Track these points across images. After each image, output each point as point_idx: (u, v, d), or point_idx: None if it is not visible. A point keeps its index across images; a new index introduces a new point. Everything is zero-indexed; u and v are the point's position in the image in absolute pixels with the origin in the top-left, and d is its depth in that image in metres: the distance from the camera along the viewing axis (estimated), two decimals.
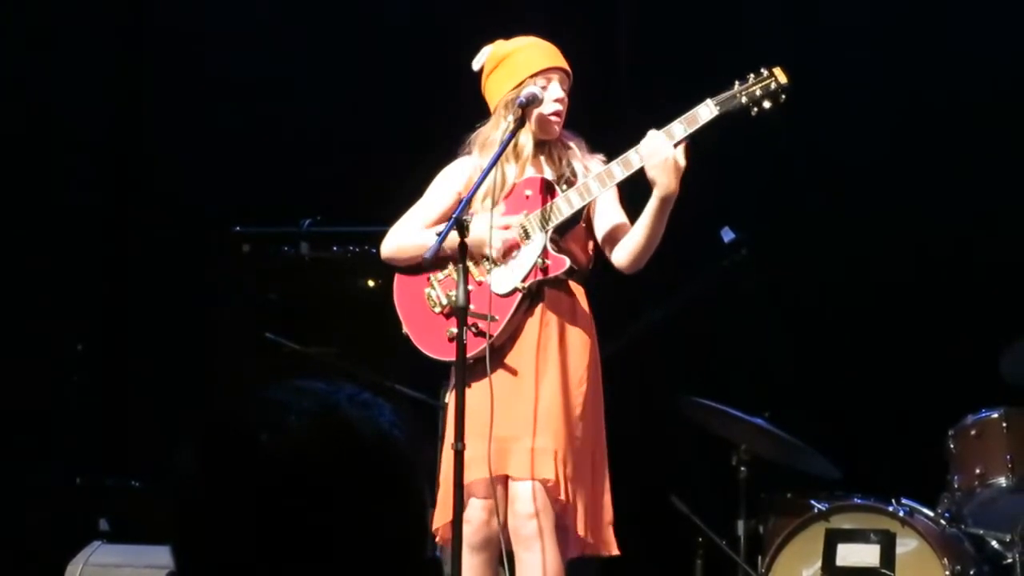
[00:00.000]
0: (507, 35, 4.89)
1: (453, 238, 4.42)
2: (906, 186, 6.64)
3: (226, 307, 6.76)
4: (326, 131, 7.05)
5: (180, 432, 1.67)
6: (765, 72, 4.62)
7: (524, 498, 4.52)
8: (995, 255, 6.50)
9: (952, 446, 5.85)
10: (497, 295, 4.63)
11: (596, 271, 4.86)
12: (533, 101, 4.65)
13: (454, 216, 4.40)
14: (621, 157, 4.61)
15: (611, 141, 4.80)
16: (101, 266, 7.27)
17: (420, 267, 4.76)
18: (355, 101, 7.06)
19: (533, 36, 4.85)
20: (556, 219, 4.64)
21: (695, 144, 4.58)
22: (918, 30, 6.71)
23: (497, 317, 4.57)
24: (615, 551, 4.69)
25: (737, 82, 4.61)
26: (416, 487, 1.62)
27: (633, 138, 4.61)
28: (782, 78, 4.62)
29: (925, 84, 6.66)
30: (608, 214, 4.72)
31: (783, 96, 4.61)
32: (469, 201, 4.52)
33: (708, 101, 4.57)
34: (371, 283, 5.88)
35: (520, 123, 4.64)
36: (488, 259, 4.65)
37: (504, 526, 4.58)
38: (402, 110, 6.96)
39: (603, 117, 5.37)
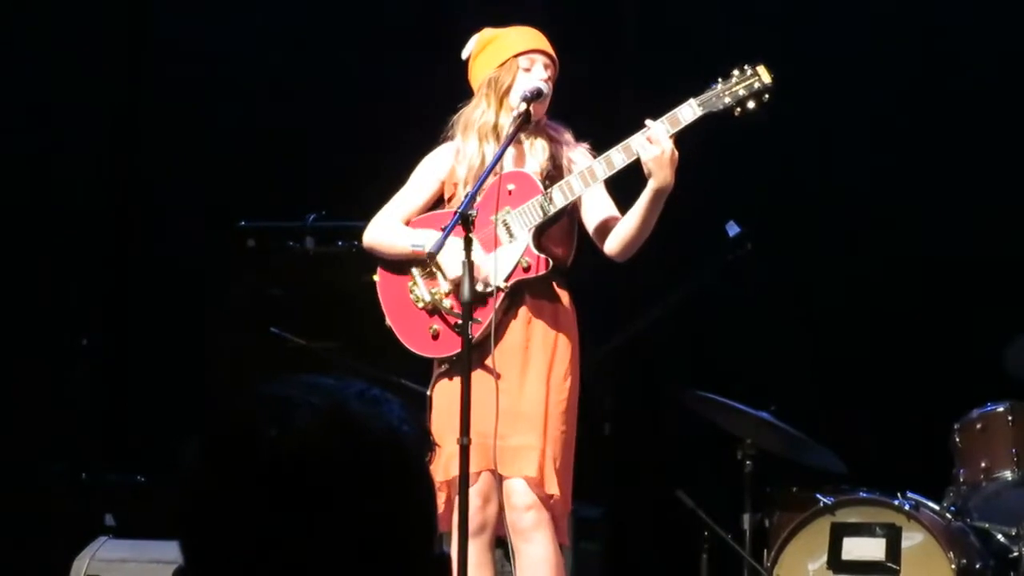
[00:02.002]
0: (494, 25, 4.89)
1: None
2: (910, 180, 6.63)
3: (231, 302, 6.76)
4: (330, 126, 7.04)
5: (185, 427, 1.66)
6: (749, 71, 4.54)
7: (519, 492, 4.56)
8: (1000, 249, 6.50)
9: (957, 440, 5.85)
10: (479, 294, 4.60)
11: (598, 266, 4.84)
12: (538, 96, 4.64)
13: (459, 211, 4.38)
14: (604, 155, 4.57)
15: (610, 132, 4.77)
16: (105, 261, 7.28)
17: (401, 263, 4.77)
18: (359, 96, 7.06)
19: (523, 25, 4.85)
20: (539, 218, 4.62)
21: (700, 136, 4.56)
22: (921, 24, 6.70)
23: (479, 320, 4.55)
24: (566, 542, 4.72)
25: (720, 81, 4.54)
26: (426, 483, 1.61)
27: (631, 129, 4.57)
28: (766, 77, 4.54)
29: (929, 77, 6.66)
30: (597, 204, 4.69)
31: (767, 96, 4.54)
32: (473, 197, 4.51)
33: (691, 101, 4.51)
34: (375, 278, 5.87)
35: (526, 118, 4.62)
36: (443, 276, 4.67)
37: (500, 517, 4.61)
38: (405, 105, 6.95)
39: (603, 107, 5.37)
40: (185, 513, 1.60)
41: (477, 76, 4.76)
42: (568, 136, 4.76)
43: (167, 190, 7.17)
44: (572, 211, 4.72)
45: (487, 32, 4.80)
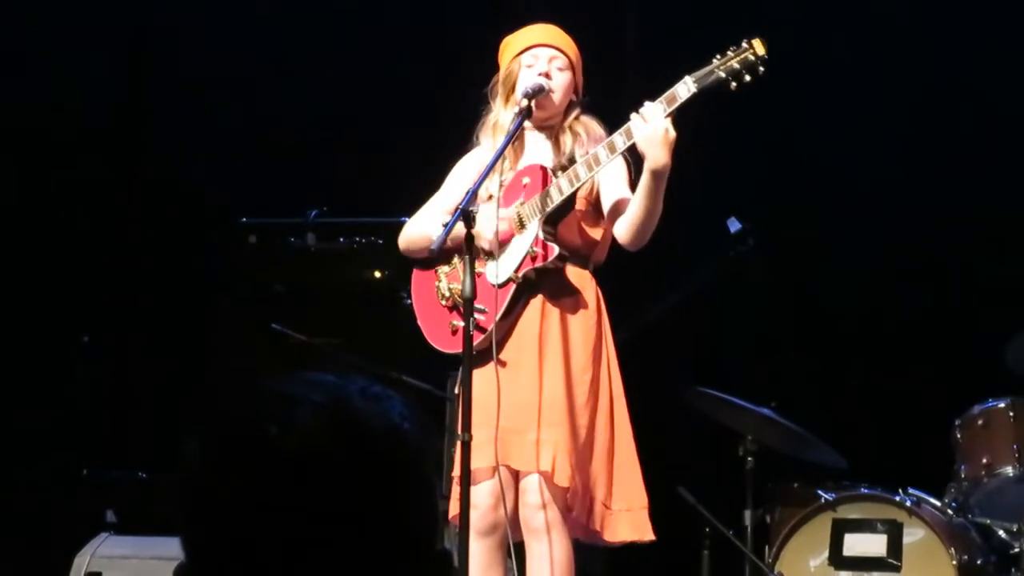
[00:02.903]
0: (510, 24, 4.89)
1: (458, 230, 4.42)
2: (911, 176, 6.63)
3: (232, 298, 6.75)
4: (332, 122, 7.04)
5: (187, 424, 1.66)
6: (744, 44, 4.52)
7: (533, 489, 4.53)
8: (1001, 245, 6.50)
9: (959, 436, 5.85)
10: (493, 286, 4.61)
11: (599, 262, 4.84)
12: (539, 92, 4.64)
13: (460, 207, 4.39)
14: (607, 139, 4.57)
15: (617, 121, 4.76)
16: (107, 258, 7.28)
17: (431, 261, 4.77)
18: (361, 92, 7.05)
19: (539, 23, 4.85)
20: (547, 207, 4.63)
21: (701, 133, 4.56)
22: (923, 22, 6.70)
23: (487, 309, 4.54)
24: (650, 536, 4.66)
25: (716, 56, 4.54)
26: (427, 480, 1.61)
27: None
28: (760, 49, 4.50)
29: (930, 72, 6.66)
30: (612, 190, 4.67)
31: (762, 68, 4.49)
32: (475, 193, 4.51)
33: (686, 78, 4.49)
34: (377, 274, 5.88)
35: (527, 114, 4.63)
36: (483, 251, 4.64)
37: (513, 516, 4.58)
38: (408, 101, 6.95)
39: (608, 98, 5.35)
40: (186, 510, 1.60)
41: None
42: (597, 131, 4.73)
43: (168, 185, 7.16)
44: (596, 201, 4.71)
45: (506, 39, 4.82)
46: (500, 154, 4.56)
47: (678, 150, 4.50)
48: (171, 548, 4.87)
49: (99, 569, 5.45)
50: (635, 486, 4.65)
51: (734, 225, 5.78)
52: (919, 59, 6.68)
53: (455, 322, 4.69)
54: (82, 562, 5.48)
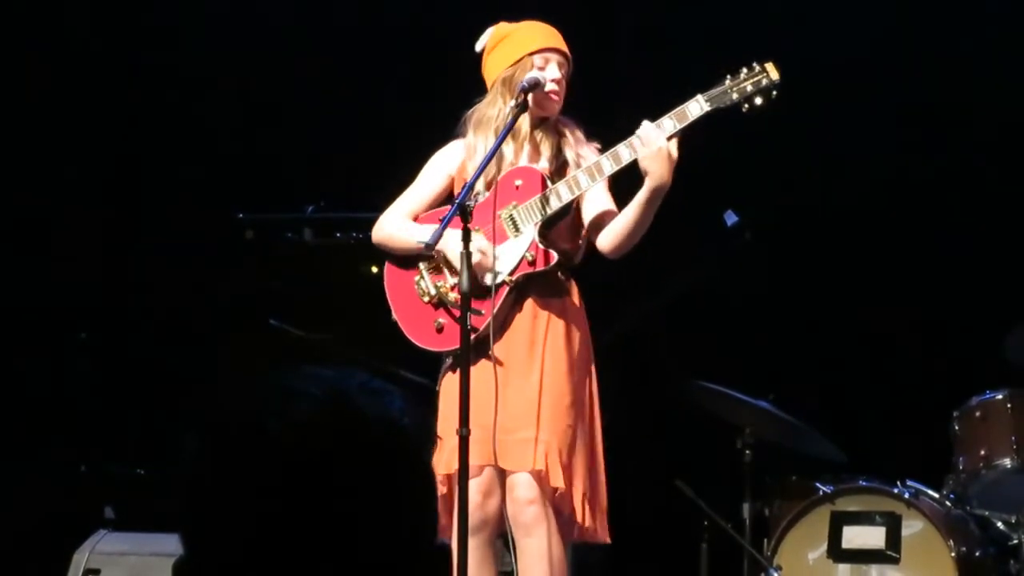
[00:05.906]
0: (507, 20, 4.88)
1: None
2: (908, 169, 6.63)
3: (230, 293, 6.75)
4: (329, 117, 7.04)
5: (185, 419, 1.66)
6: (757, 67, 4.56)
7: (522, 485, 4.54)
8: (999, 237, 6.50)
9: (957, 428, 5.86)
10: (486, 287, 4.60)
11: (596, 257, 4.85)
12: (536, 86, 4.63)
13: (457, 202, 4.38)
14: (611, 151, 4.58)
15: (606, 131, 4.77)
16: (104, 253, 7.27)
17: (408, 258, 4.76)
18: (358, 87, 7.05)
19: (537, 21, 4.84)
20: (544, 213, 4.62)
21: (698, 128, 4.56)
22: (922, 23, 6.70)
23: (482, 312, 4.54)
24: (607, 539, 4.70)
25: (728, 77, 4.55)
26: (425, 475, 1.61)
27: (628, 129, 4.58)
28: (774, 74, 4.55)
29: (928, 67, 6.66)
30: (596, 200, 4.69)
31: (775, 93, 4.55)
32: (472, 186, 4.50)
33: (699, 97, 4.52)
34: (374, 269, 5.87)
35: (523, 107, 4.62)
36: (450, 270, 4.65)
37: (500, 513, 4.59)
38: (405, 96, 6.95)
39: (599, 106, 5.37)
40: (185, 505, 1.60)
41: (491, 72, 4.77)
42: (579, 134, 4.75)
43: (165, 182, 7.16)
44: (577, 205, 4.72)
45: (503, 27, 4.80)
46: (497, 147, 4.56)
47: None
48: (170, 544, 4.87)
49: (98, 566, 5.45)
50: (603, 488, 4.68)
51: (731, 218, 5.78)
52: (919, 57, 6.68)
53: (440, 320, 4.69)
54: (81, 558, 5.48)
